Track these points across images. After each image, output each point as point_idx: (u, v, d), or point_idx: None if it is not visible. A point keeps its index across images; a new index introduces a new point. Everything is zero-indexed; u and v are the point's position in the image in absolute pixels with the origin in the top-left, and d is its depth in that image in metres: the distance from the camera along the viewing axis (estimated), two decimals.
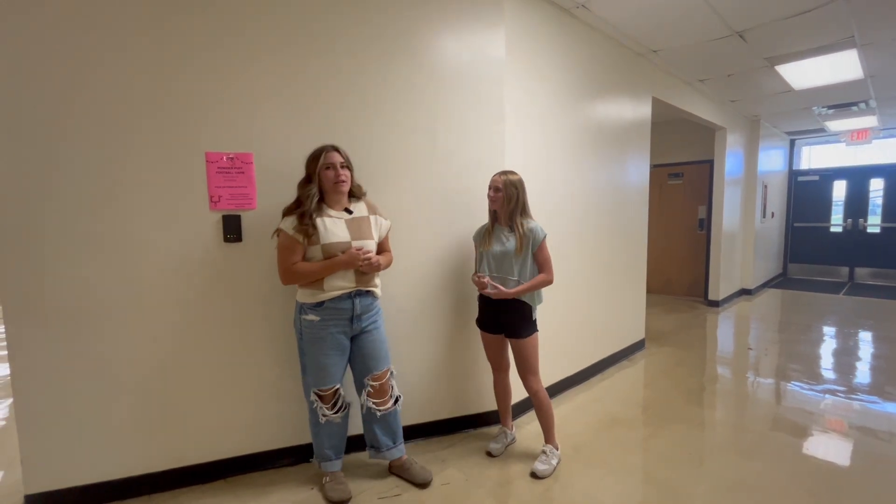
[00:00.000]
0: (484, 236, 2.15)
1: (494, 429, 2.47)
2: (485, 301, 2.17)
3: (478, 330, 2.26)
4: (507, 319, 2.10)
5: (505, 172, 2.09)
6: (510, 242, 2.06)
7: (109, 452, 1.88)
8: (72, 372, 1.81)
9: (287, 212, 1.83)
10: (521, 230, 2.04)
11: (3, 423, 2.63)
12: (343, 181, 1.83)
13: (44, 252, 1.74)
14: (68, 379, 1.81)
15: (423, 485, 1.98)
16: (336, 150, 1.85)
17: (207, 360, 2.00)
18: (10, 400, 2.85)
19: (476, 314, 2.27)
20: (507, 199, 2.05)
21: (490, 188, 2.09)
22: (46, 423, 1.79)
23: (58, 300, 1.77)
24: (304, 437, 2.15)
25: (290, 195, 1.97)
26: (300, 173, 1.93)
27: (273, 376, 2.11)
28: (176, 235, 1.90)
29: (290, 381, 2.12)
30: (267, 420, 2.11)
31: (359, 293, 1.87)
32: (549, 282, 2.10)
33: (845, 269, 7.52)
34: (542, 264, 2.09)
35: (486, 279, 2.04)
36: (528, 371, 2.12)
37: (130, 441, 1.90)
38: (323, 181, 1.81)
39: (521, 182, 2.08)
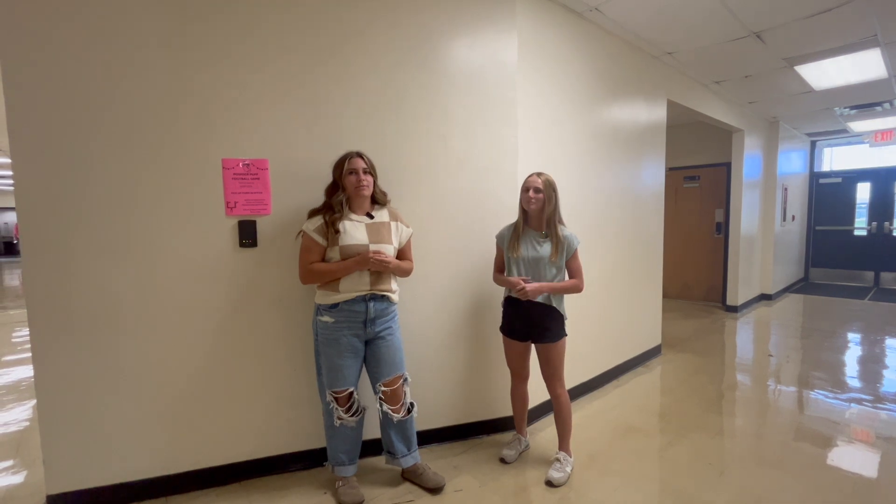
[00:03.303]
0: (511, 240, 2.08)
1: (508, 435, 2.44)
2: (513, 307, 2.11)
3: (492, 335, 2.24)
4: (536, 323, 2.05)
5: (541, 173, 2.03)
6: (543, 248, 2.01)
7: (129, 454, 1.91)
8: (93, 375, 1.85)
9: (312, 213, 1.88)
10: (556, 236, 2.01)
11: (27, 423, 2.70)
12: (364, 187, 1.86)
13: (67, 257, 1.79)
14: (90, 381, 1.85)
15: (435, 490, 1.97)
16: (360, 156, 1.88)
17: (224, 365, 2.02)
18: (34, 401, 2.93)
19: (494, 319, 2.25)
20: (547, 201, 2.00)
21: (529, 189, 2.01)
22: (68, 424, 1.83)
23: (80, 304, 1.81)
24: (318, 442, 2.16)
25: (305, 200, 2.00)
26: (314, 178, 1.97)
27: (288, 381, 2.12)
28: (193, 241, 1.94)
29: (304, 386, 2.14)
30: (281, 424, 2.13)
31: (373, 297, 1.88)
32: (579, 288, 2.07)
33: (870, 274, 7.29)
34: (574, 272, 2.07)
35: (528, 278, 2.00)
36: (553, 376, 2.09)
37: (149, 443, 1.94)
38: (346, 186, 1.85)
39: (555, 183, 2.05)
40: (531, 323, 2.06)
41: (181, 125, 1.89)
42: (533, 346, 2.14)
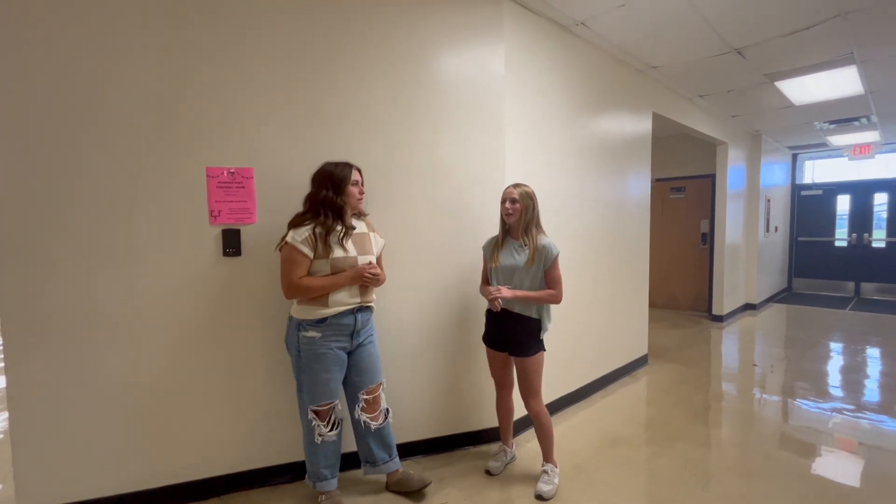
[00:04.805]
0: (493, 250, 2.10)
1: (494, 446, 2.43)
2: (492, 317, 2.12)
3: (479, 346, 2.24)
4: (512, 336, 2.05)
5: (518, 185, 2.06)
6: (520, 256, 2.02)
7: (104, 468, 1.86)
8: (68, 386, 1.80)
9: (294, 224, 1.80)
10: (534, 244, 2.01)
11: (0, 436, 2.61)
12: (362, 199, 1.89)
13: (44, 265, 1.75)
14: (64, 393, 1.80)
15: (422, 488, 1.99)
16: (358, 168, 1.89)
17: (204, 376, 1.98)
18: (6, 413, 2.83)
19: (480, 329, 2.25)
20: (524, 211, 2.02)
21: (505, 200, 2.04)
22: (41, 437, 1.78)
23: (56, 313, 1.77)
24: (301, 454, 2.12)
25: (291, 209, 1.97)
26: (302, 187, 1.92)
27: (270, 392, 2.09)
28: (175, 249, 1.91)
29: (286, 398, 2.10)
30: (263, 436, 2.09)
31: (361, 309, 1.87)
32: (557, 299, 2.03)
33: (851, 284, 7.44)
34: (552, 282, 2.04)
35: (508, 286, 1.99)
36: (529, 392, 2.07)
37: (125, 457, 1.88)
38: (348, 196, 1.82)
39: (534, 193, 2.06)
40: (507, 335, 2.07)
41: (166, 131, 1.87)
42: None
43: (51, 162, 1.74)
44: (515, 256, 2.04)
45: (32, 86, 1.70)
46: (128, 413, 1.88)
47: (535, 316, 2.05)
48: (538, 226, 2.07)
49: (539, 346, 2.06)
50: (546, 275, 2.05)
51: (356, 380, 1.92)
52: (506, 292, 1.97)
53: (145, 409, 1.90)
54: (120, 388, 1.86)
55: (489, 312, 2.15)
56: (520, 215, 2.02)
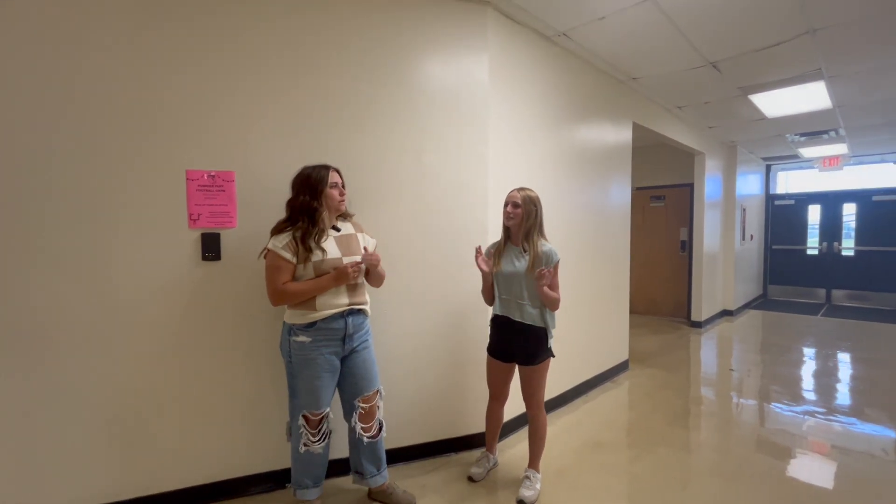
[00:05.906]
0: (495, 255, 2.06)
1: (477, 452, 2.42)
2: (498, 328, 2.08)
3: (466, 351, 2.22)
4: (521, 345, 2.01)
5: (522, 188, 2.01)
6: (521, 263, 1.97)
7: (75, 479, 1.79)
8: (37, 393, 1.73)
9: (277, 230, 1.78)
10: (535, 251, 1.96)
11: None
12: (344, 201, 1.86)
13: (14, 268, 1.69)
14: (32, 401, 1.73)
15: None
16: (337, 170, 1.86)
17: (181, 383, 1.93)
18: None
19: (467, 334, 2.23)
20: (526, 216, 1.98)
21: (507, 204, 2.00)
22: (7, 445, 1.70)
23: (26, 317, 1.71)
24: (280, 463, 2.08)
25: (273, 214, 1.96)
26: (285, 192, 1.89)
27: (249, 399, 2.05)
28: (153, 253, 1.87)
29: (266, 404, 2.07)
30: (243, 445, 2.04)
31: (351, 312, 1.84)
32: (556, 301, 1.97)
33: (822, 291, 7.69)
34: (551, 288, 1.97)
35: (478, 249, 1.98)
36: (533, 397, 2.05)
37: (97, 467, 1.82)
38: (328, 199, 1.81)
39: (538, 199, 2.01)
40: (516, 346, 2.03)
41: (145, 132, 1.84)
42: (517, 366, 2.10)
43: (18, 163, 1.68)
44: (515, 263, 1.99)
45: (13, 81, 1.65)
46: (100, 421, 1.82)
47: (540, 324, 2.00)
48: (540, 232, 2.02)
49: (547, 353, 2.04)
50: None
51: (351, 387, 1.88)
52: (484, 266, 1.94)
53: (119, 416, 1.84)
54: (92, 395, 1.80)
55: (494, 323, 2.11)
56: (521, 220, 1.98)
